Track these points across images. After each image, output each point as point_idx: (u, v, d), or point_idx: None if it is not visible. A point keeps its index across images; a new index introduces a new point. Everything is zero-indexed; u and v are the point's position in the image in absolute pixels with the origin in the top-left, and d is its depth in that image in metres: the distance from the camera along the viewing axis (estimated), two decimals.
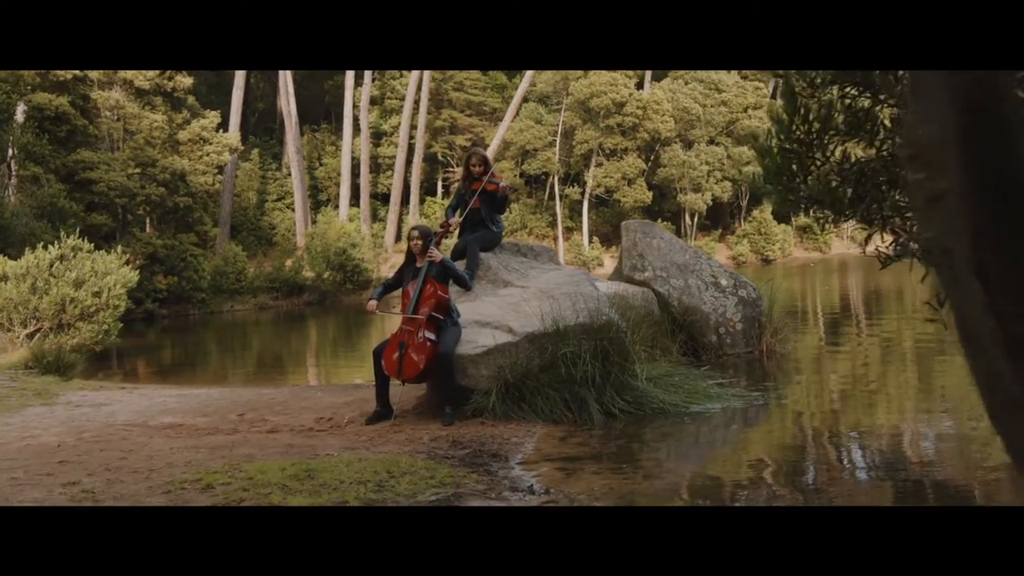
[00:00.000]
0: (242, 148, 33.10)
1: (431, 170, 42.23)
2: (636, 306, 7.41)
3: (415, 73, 37.67)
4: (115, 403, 7.36)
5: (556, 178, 40.53)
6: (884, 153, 2.73)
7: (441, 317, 5.76)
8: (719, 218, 43.70)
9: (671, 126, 39.27)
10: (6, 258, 11.75)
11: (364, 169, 37.70)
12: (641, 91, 40.53)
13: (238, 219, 36.29)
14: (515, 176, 39.24)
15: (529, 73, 38.93)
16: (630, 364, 5.74)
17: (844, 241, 41.52)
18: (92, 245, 12.51)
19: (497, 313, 6.09)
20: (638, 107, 38.32)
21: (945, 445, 4.71)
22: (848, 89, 2.77)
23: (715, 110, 41.02)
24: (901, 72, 2.49)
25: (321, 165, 41.78)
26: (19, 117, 23.92)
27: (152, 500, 3.61)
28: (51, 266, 11.40)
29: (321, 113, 45.10)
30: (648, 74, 42.44)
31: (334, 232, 31.50)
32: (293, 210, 37.07)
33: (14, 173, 23.08)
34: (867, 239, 2.96)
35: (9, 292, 10.99)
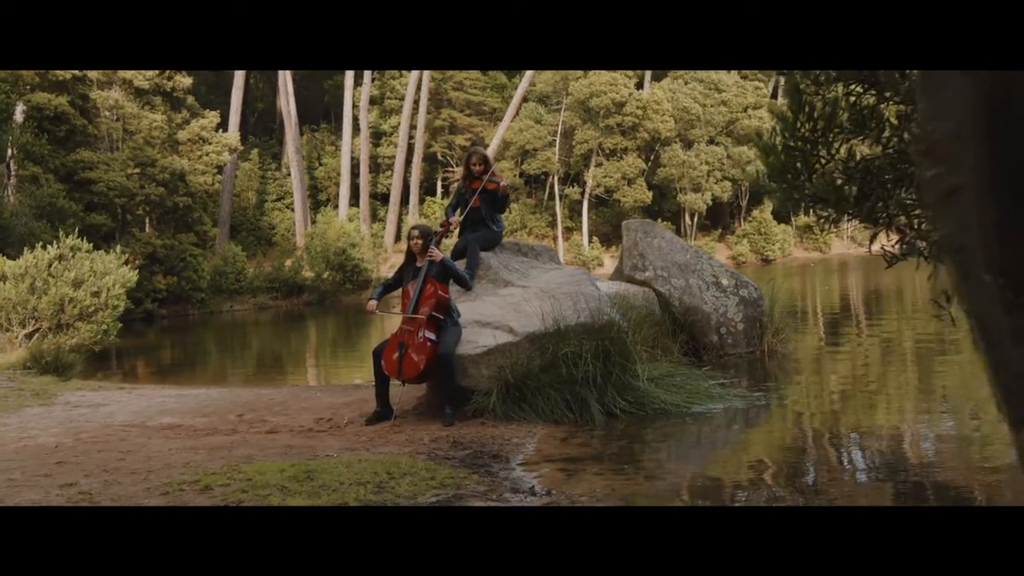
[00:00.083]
0: (241, 148, 33.09)
1: (431, 170, 42.24)
2: (637, 306, 7.40)
3: (415, 73, 37.66)
4: (113, 403, 7.33)
5: (556, 178, 40.53)
6: (890, 151, 2.71)
7: (441, 317, 5.73)
8: (719, 218, 43.71)
9: (671, 126, 39.29)
10: (5, 258, 11.71)
11: (364, 169, 37.70)
12: (641, 91, 40.54)
13: (237, 219, 36.28)
14: (515, 176, 39.25)
15: (529, 73, 38.91)
16: (631, 364, 5.71)
17: (844, 241, 41.56)
18: (91, 245, 12.48)
19: (498, 313, 6.07)
20: (638, 107, 38.33)
21: (945, 446, 4.70)
22: (853, 86, 2.75)
23: (715, 110, 41.04)
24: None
25: (321, 165, 41.78)
26: (18, 117, 23.91)
27: (150, 501, 3.59)
28: (50, 266, 11.36)
29: (321, 113, 45.09)
30: (648, 74, 42.45)
31: (334, 232, 31.48)
32: (293, 210, 37.05)
33: (13, 173, 23.06)
34: (872, 238, 2.94)
35: (8, 292, 10.96)
